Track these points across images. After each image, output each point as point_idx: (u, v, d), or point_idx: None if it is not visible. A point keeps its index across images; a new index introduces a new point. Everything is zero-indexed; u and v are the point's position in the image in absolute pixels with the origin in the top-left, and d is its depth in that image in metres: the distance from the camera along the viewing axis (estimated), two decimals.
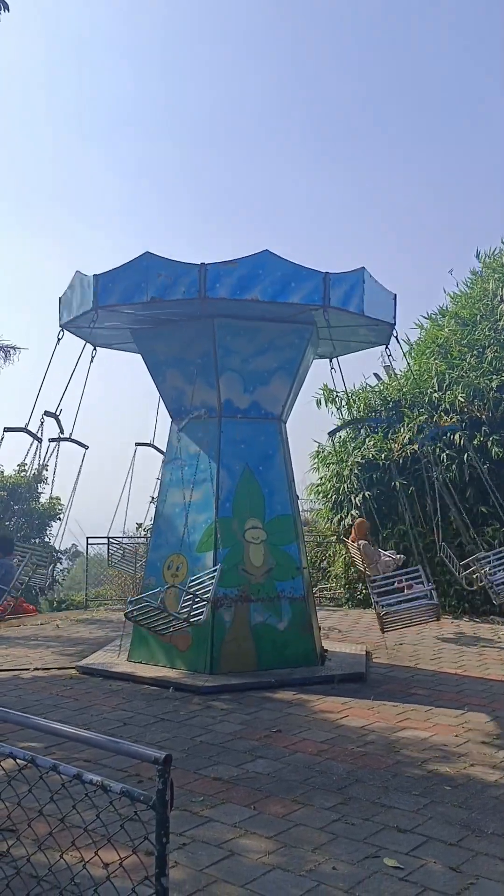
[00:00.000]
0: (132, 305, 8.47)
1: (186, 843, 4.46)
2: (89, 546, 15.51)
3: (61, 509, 18.32)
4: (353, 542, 12.11)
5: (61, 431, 9.73)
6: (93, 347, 9.85)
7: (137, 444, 11.30)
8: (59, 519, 18.21)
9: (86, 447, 10.38)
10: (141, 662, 9.02)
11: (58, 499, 18.99)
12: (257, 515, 9.03)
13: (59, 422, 9.63)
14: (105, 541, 15.24)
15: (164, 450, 10.77)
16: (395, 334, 9.56)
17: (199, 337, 8.95)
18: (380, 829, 4.72)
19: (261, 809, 5.00)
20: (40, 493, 18.74)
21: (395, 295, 9.32)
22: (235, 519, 8.94)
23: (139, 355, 10.78)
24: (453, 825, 4.77)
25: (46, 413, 9.51)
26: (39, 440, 9.64)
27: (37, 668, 9.21)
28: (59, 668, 9.21)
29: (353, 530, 12.46)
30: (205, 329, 8.85)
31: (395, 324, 9.35)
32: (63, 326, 9.44)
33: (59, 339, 9.46)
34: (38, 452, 9.87)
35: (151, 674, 8.54)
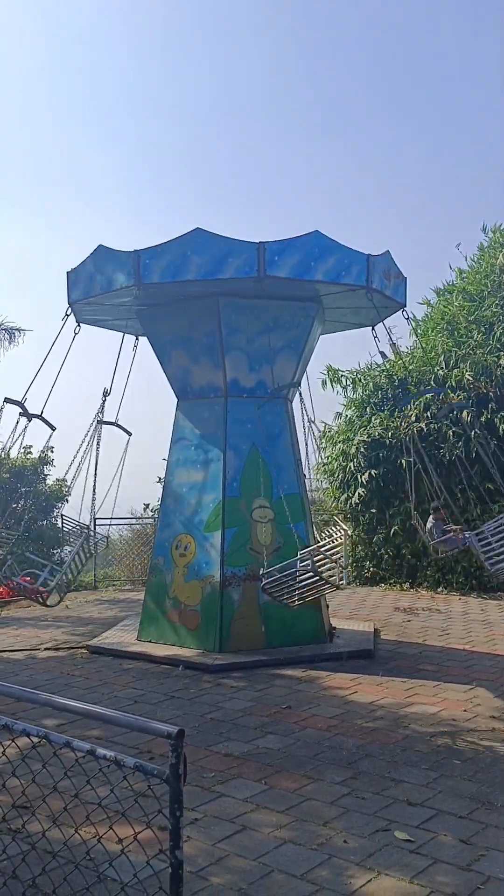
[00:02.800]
0: (177, 283, 8.34)
1: (199, 818, 4.52)
2: (97, 527, 15.52)
3: (67, 491, 18.34)
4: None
5: (28, 419, 9.32)
6: (76, 324, 9.63)
7: (101, 423, 10.52)
8: (67, 500, 18.20)
9: (129, 433, 10.41)
10: (151, 641, 9.08)
11: (64, 481, 19.00)
12: (265, 495, 9.04)
13: (24, 408, 9.26)
14: (109, 522, 15.28)
15: (128, 429, 10.68)
16: (406, 315, 9.63)
17: (204, 316, 8.91)
18: (390, 802, 4.77)
19: (272, 785, 5.05)
20: (46, 475, 18.76)
21: (406, 278, 9.39)
22: (243, 498, 8.96)
23: (120, 333, 10.69)
24: (463, 798, 4.81)
25: (7, 400, 9.20)
26: (53, 428, 9.55)
27: (47, 648, 9.29)
28: (69, 648, 9.28)
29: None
30: (210, 308, 8.81)
31: (405, 304, 9.38)
32: (72, 304, 9.26)
33: (66, 315, 9.35)
34: (49, 437, 9.78)
35: (161, 652, 8.59)
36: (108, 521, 15.25)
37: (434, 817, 4.54)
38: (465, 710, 6.67)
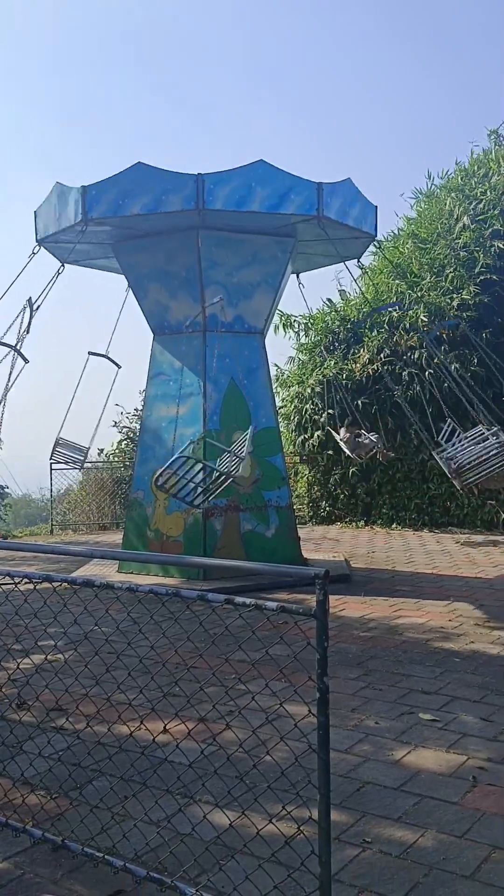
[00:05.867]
0: (122, 218, 8.36)
1: (233, 711, 4.76)
2: (53, 472, 15.47)
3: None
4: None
5: None
6: (60, 264, 9.69)
7: (90, 354, 10.64)
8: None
9: (119, 366, 10.32)
10: (133, 573, 9.24)
11: None
12: (243, 427, 9.19)
13: None
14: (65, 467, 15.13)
15: (117, 362, 10.73)
16: (378, 245, 9.73)
17: (183, 250, 8.94)
18: (406, 692, 5.12)
19: (292, 682, 5.32)
20: None
21: (377, 206, 9.46)
22: (223, 431, 9.12)
23: (109, 273, 10.71)
24: (472, 687, 5.20)
25: None
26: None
27: (28, 581, 9.33)
28: (48, 583, 9.33)
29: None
30: (189, 241, 8.84)
31: (376, 235, 9.49)
32: (40, 242, 9.29)
33: (33, 254, 9.33)
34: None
35: (147, 581, 8.76)
36: (63, 467, 15.20)
37: (450, 702, 4.91)
38: (450, 620, 7.10)
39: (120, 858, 2.98)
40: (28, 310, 8.75)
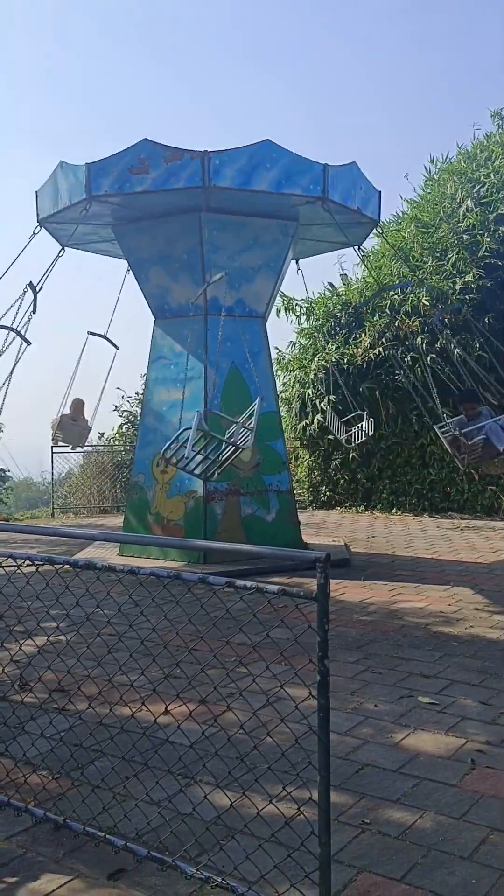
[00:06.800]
0: (126, 196, 8.28)
1: (234, 693, 4.79)
2: (55, 456, 15.48)
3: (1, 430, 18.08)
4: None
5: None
6: (61, 247, 9.65)
7: (90, 333, 10.46)
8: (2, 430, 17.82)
9: (117, 347, 10.25)
10: (134, 556, 9.27)
11: None
12: (245, 412, 9.20)
13: None
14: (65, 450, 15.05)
15: (116, 343, 10.67)
16: (380, 229, 9.67)
17: (184, 232, 8.90)
18: (405, 676, 5.15)
19: (293, 664, 5.35)
20: None
21: (380, 192, 9.41)
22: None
23: (106, 257, 10.65)
24: (471, 671, 5.23)
25: None
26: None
27: (30, 563, 9.36)
28: (50, 565, 9.37)
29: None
30: (191, 224, 8.80)
31: (379, 220, 9.45)
32: (41, 222, 9.23)
33: (34, 234, 9.30)
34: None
35: (148, 565, 8.79)
36: (65, 450, 15.18)
37: (449, 686, 4.94)
38: (449, 605, 7.13)
39: (121, 838, 3.01)
40: (31, 293, 8.71)
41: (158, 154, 8.10)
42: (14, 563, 3.27)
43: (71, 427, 10.06)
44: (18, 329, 8.78)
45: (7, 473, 18.97)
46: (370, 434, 10.72)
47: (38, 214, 9.25)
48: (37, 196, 9.30)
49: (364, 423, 10.62)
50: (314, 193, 8.30)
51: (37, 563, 3.22)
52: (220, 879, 2.68)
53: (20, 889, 2.83)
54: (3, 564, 3.63)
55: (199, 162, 8.02)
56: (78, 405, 10.21)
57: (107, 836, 2.97)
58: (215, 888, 2.75)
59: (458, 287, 13.51)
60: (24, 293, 8.75)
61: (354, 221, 9.28)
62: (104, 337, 10.21)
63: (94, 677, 4.89)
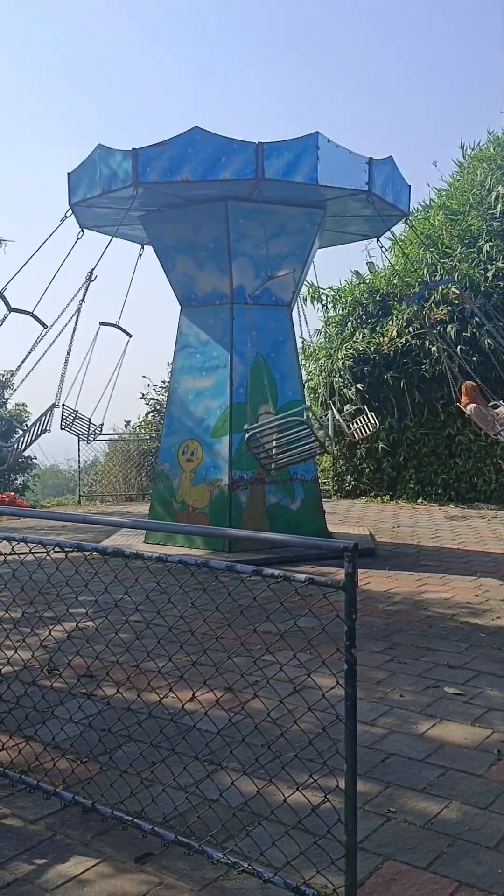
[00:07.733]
0: (171, 184, 8.22)
1: (260, 681, 4.82)
2: (81, 443, 15.58)
3: (28, 416, 18.24)
4: (464, 406, 10.61)
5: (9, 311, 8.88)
6: (80, 229, 9.58)
7: (101, 324, 10.45)
8: (26, 425, 17.97)
9: (130, 335, 10.25)
10: (159, 544, 9.32)
11: (24, 405, 18.86)
12: (270, 401, 9.21)
13: (4, 300, 8.87)
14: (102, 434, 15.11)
15: (128, 331, 10.65)
16: (409, 221, 9.64)
17: (211, 220, 8.88)
18: (431, 666, 5.14)
19: (319, 653, 5.37)
20: (6, 399, 18.51)
21: (410, 186, 9.40)
22: (249, 404, 9.12)
23: (121, 240, 10.61)
24: (497, 662, 5.21)
25: None
26: (45, 326, 9.39)
27: (58, 550, 9.45)
28: (79, 552, 9.45)
29: (462, 395, 10.72)
30: (217, 212, 8.78)
31: (409, 212, 9.42)
32: (73, 206, 9.14)
33: (65, 216, 9.26)
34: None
35: (174, 552, 8.82)
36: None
37: (476, 677, 4.93)
38: (476, 596, 7.10)
39: (148, 822, 3.04)
40: (86, 282, 8.90)
41: (210, 142, 8.06)
42: (44, 550, 3.31)
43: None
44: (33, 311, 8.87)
45: (34, 461, 19.16)
46: (377, 426, 10.72)
47: (70, 197, 9.13)
48: (69, 178, 9.14)
49: (364, 417, 10.66)
50: (360, 187, 8.36)
51: (66, 549, 3.25)
52: (246, 865, 2.70)
53: (49, 871, 2.88)
54: (33, 551, 3.67)
55: (251, 152, 8.02)
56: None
57: (134, 820, 3.01)
58: (242, 873, 2.77)
59: (490, 274, 13.36)
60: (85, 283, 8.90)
61: (385, 213, 9.23)
62: (116, 326, 10.20)
63: (121, 663, 4.92)
